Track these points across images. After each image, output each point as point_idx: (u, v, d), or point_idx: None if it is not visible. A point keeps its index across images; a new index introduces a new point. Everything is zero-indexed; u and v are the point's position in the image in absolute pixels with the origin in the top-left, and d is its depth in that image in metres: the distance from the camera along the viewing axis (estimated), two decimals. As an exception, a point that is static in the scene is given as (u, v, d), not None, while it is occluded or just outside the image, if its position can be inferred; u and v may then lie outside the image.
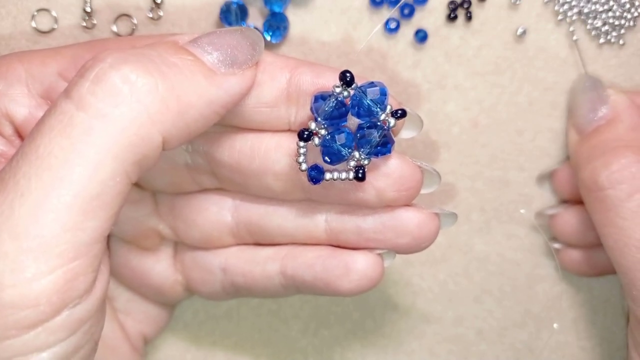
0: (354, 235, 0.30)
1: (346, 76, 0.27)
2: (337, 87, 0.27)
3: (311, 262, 0.31)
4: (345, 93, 0.27)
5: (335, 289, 0.30)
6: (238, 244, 0.33)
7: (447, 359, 0.41)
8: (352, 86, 0.27)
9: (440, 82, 0.37)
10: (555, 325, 0.40)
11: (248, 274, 0.32)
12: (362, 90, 0.27)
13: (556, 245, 0.38)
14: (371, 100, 0.27)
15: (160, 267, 0.34)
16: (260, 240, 0.32)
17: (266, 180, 0.30)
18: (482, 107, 0.37)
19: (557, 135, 0.38)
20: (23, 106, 0.29)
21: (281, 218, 0.31)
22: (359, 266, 0.30)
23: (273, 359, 0.40)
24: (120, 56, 0.25)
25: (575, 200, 0.37)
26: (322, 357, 0.41)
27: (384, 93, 0.27)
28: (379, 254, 0.30)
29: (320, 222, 0.31)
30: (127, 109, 0.24)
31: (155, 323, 0.36)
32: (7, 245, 0.23)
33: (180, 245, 0.34)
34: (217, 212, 0.32)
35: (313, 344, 0.40)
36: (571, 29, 0.35)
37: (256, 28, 0.35)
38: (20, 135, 0.29)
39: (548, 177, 0.38)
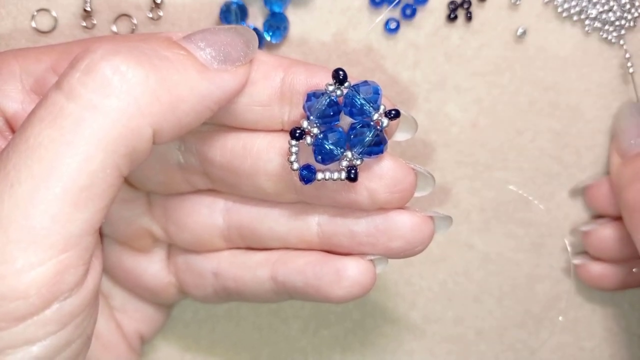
0: (347, 238, 0.30)
1: (339, 74, 0.27)
2: (330, 85, 0.27)
3: (302, 268, 0.30)
4: (338, 92, 0.27)
5: (326, 296, 0.30)
6: (230, 248, 0.33)
7: (446, 359, 0.41)
8: (345, 85, 0.27)
9: (440, 82, 0.37)
10: (560, 318, 0.40)
11: (239, 279, 0.32)
12: (355, 89, 0.27)
13: (576, 261, 0.38)
14: (364, 99, 0.27)
15: (153, 268, 0.34)
16: (252, 244, 0.32)
17: (258, 180, 0.29)
18: (481, 107, 0.37)
19: (557, 135, 0.38)
20: (16, 102, 0.29)
21: (273, 221, 0.31)
22: (350, 273, 0.30)
23: (273, 359, 0.40)
24: (112, 48, 0.25)
25: (609, 215, 0.37)
26: (322, 357, 0.41)
27: (376, 92, 0.27)
28: (371, 260, 0.30)
29: (313, 225, 0.30)
30: (117, 100, 0.24)
31: (152, 322, 0.36)
32: None
33: (174, 247, 0.34)
34: (209, 214, 0.32)
35: (313, 344, 0.40)
36: (629, 64, 0.36)
37: (256, 28, 0.35)
38: (12, 130, 0.29)
39: (581, 192, 0.38)
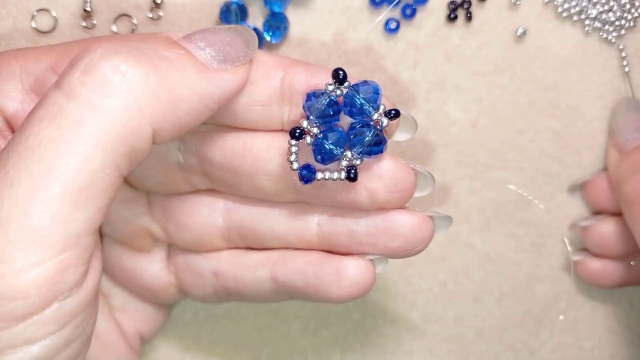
0: (347, 238, 0.30)
1: (339, 74, 0.27)
2: (330, 85, 0.27)
3: (302, 268, 0.30)
4: (338, 91, 0.27)
5: (326, 296, 0.30)
6: (229, 248, 0.33)
7: (446, 359, 0.41)
8: (345, 84, 0.27)
9: (440, 82, 0.37)
10: (561, 317, 0.40)
11: (239, 279, 0.32)
12: (355, 88, 0.27)
13: (576, 258, 0.38)
14: (364, 98, 0.27)
15: (153, 268, 0.34)
16: (252, 244, 0.32)
17: (258, 180, 0.29)
18: (481, 107, 0.37)
19: (557, 135, 0.38)
20: (16, 102, 0.29)
21: (273, 221, 0.31)
22: (350, 272, 0.29)
23: (273, 359, 0.41)
24: (111, 47, 0.25)
25: (608, 211, 0.37)
26: (322, 357, 0.41)
27: (376, 92, 0.27)
28: (371, 260, 0.30)
29: (313, 225, 0.30)
30: (117, 99, 0.24)
31: (152, 322, 0.36)
32: None
33: (174, 247, 0.34)
34: (208, 214, 0.32)
35: (313, 344, 0.40)
36: (625, 63, 0.36)
37: (256, 28, 0.35)
38: (12, 129, 0.29)
39: (579, 187, 0.38)
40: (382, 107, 0.27)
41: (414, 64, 0.36)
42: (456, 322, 0.40)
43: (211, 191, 0.32)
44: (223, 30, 0.27)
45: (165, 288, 0.34)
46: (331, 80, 0.27)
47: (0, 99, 0.29)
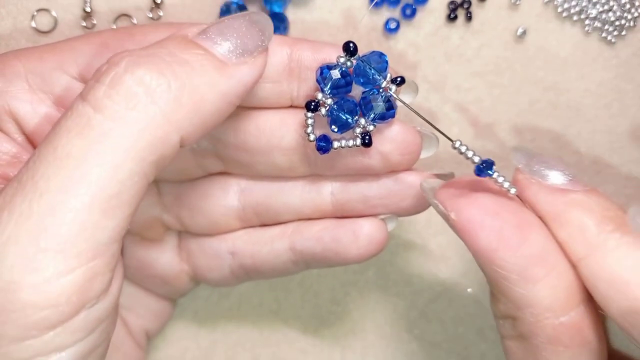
0: (360, 203, 0.31)
1: (349, 47, 0.28)
2: (341, 57, 0.28)
3: (319, 235, 0.32)
4: (349, 63, 0.28)
5: (345, 257, 0.31)
6: (244, 227, 0.34)
7: (447, 359, 0.41)
8: (355, 56, 0.28)
9: (440, 82, 0.37)
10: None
11: (256, 255, 0.33)
12: (366, 59, 0.28)
13: None
14: (374, 68, 0.28)
15: (165, 257, 0.35)
16: (267, 220, 0.33)
17: (273, 156, 0.30)
18: (481, 107, 0.37)
19: (557, 135, 0.38)
20: (25, 102, 0.29)
21: (287, 195, 0.32)
22: (366, 231, 0.31)
23: (273, 359, 0.41)
24: (134, 59, 0.25)
25: None
26: (322, 357, 0.41)
27: (385, 61, 0.29)
28: (382, 219, 0.32)
29: (326, 194, 0.32)
30: (144, 111, 0.24)
31: (158, 318, 0.36)
32: (26, 245, 0.23)
33: (185, 234, 0.35)
34: (223, 196, 0.33)
35: (313, 344, 0.40)
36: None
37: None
38: (24, 131, 0.29)
39: None
40: (389, 75, 0.29)
41: (414, 64, 0.36)
42: (456, 322, 0.40)
43: (223, 174, 0.33)
44: (237, 21, 0.27)
45: (178, 276, 0.35)
46: (341, 53, 0.28)
47: (10, 101, 0.29)
